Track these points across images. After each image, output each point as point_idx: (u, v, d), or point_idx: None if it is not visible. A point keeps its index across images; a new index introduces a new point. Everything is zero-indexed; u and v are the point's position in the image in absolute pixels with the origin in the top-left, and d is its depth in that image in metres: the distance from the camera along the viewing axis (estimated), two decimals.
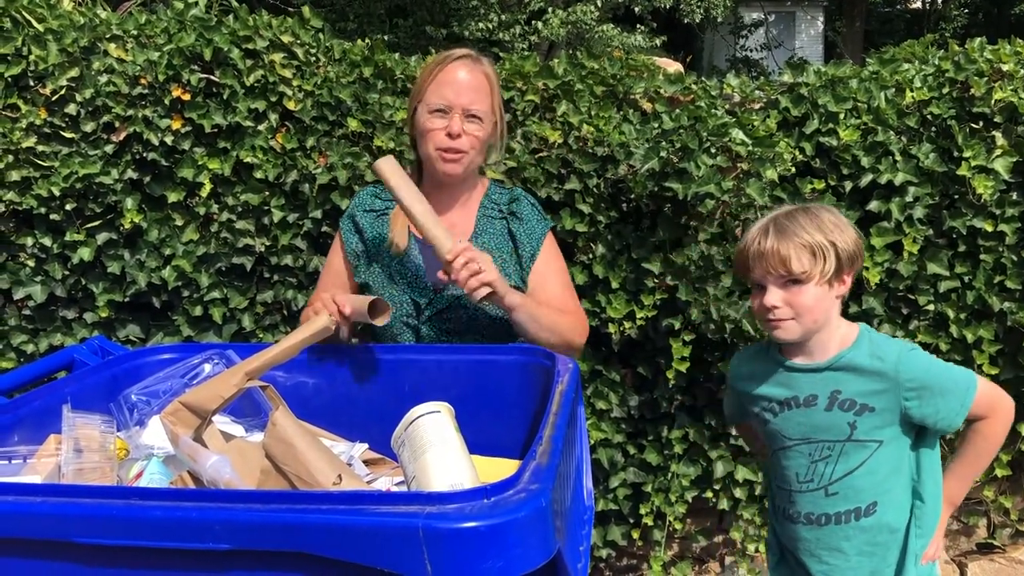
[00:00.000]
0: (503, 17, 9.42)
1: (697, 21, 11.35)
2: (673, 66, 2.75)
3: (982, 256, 2.35)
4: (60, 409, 1.31)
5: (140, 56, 2.27)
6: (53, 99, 2.26)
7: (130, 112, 2.27)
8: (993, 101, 2.28)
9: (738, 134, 2.18)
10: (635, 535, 2.59)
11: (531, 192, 2.25)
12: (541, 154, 2.36)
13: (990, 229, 2.32)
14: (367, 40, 2.48)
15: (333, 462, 1.24)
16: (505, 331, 1.75)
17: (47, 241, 2.32)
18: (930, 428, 1.52)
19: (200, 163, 2.30)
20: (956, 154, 2.30)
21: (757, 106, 2.45)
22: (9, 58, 2.25)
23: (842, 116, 2.34)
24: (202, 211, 2.34)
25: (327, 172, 2.32)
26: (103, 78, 2.26)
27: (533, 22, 9.86)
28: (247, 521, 0.90)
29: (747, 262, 1.53)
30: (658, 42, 11.11)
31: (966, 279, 2.37)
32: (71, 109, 2.27)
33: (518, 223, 1.81)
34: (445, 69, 1.74)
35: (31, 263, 2.34)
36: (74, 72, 2.26)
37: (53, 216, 2.30)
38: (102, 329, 2.38)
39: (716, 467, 2.50)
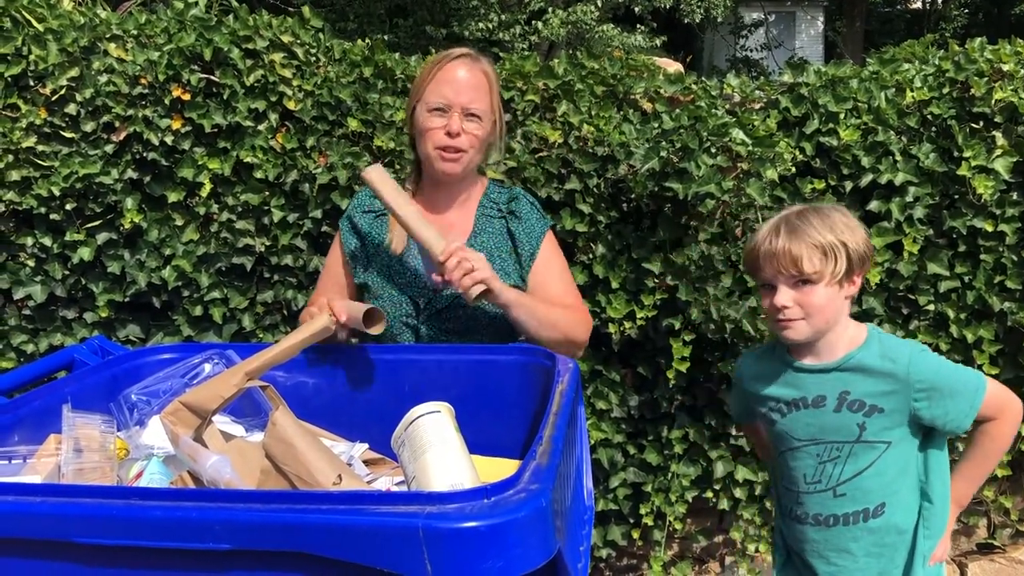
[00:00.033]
0: (503, 17, 9.42)
1: (697, 21, 11.35)
2: (673, 66, 2.75)
3: (982, 256, 2.35)
4: (60, 409, 1.31)
5: (140, 56, 2.27)
6: (53, 99, 2.26)
7: (130, 112, 2.27)
8: (993, 101, 2.29)
9: (738, 134, 2.18)
10: (635, 535, 2.59)
11: (531, 192, 2.25)
12: (541, 154, 2.36)
13: (990, 229, 2.32)
14: (367, 40, 2.49)
15: (333, 462, 1.24)
16: (506, 330, 1.75)
17: (47, 241, 2.32)
18: (939, 429, 1.51)
19: (200, 163, 2.30)
20: (956, 154, 2.30)
21: (757, 106, 2.45)
22: (9, 58, 2.25)
23: (842, 116, 2.34)
24: (202, 211, 2.34)
25: (327, 172, 2.32)
26: (103, 78, 2.26)
27: (533, 22, 9.86)
28: (247, 521, 0.89)
29: (757, 262, 1.52)
30: (658, 42, 11.11)
31: (966, 279, 2.37)
32: (71, 109, 2.27)
33: (517, 222, 1.81)
34: (444, 68, 1.74)
35: (31, 263, 2.34)
36: (74, 72, 2.26)
37: (53, 216, 2.30)
38: (102, 329, 2.38)
39: (716, 467, 2.50)
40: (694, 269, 2.29)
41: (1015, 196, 2.33)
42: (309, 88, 2.32)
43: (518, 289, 1.72)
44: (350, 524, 0.87)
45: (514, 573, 0.86)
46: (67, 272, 2.36)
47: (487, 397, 1.50)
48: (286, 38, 2.32)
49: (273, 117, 2.32)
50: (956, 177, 2.31)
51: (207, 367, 1.55)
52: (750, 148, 2.18)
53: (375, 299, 1.78)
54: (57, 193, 2.26)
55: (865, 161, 2.32)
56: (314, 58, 2.38)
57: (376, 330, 1.55)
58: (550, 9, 9.84)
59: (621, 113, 2.38)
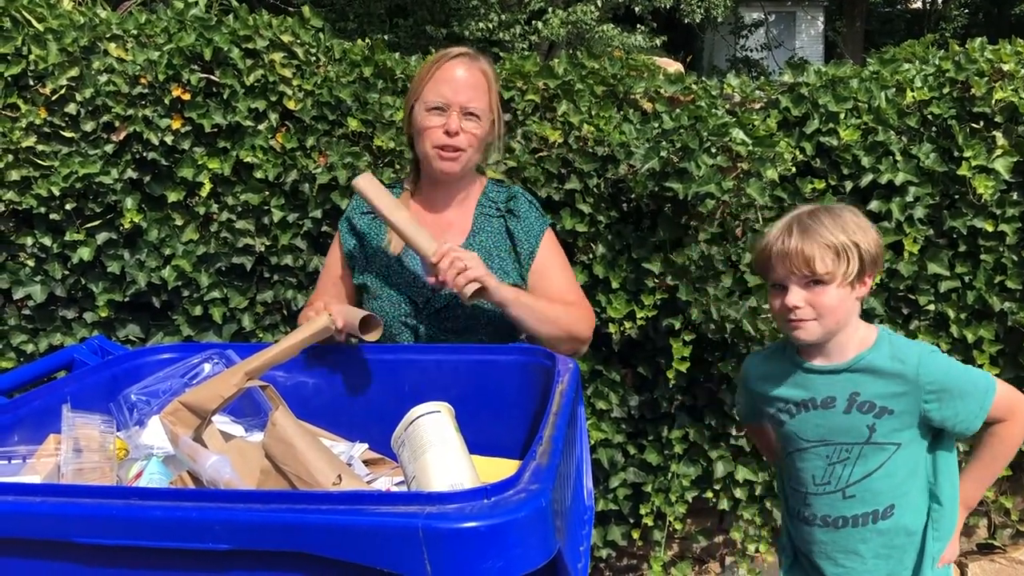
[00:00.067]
0: (503, 17, 9.42)
1: (697, 21, 11.35)
2: (673, 66, 2.75)
3: (982, 256, 2.35)
4: (60, 409, 1.31)
5: (140, 56, 2.27)
6: (53, 99, 2.26)
7: (130, 112, 2.27)
8: (993, 101, 2.28)
9: (738, 134, 2.18)
10: (635, 535, 2.58)
11: (531, 192, 2.24)
12: (541, 154, 2.36)
13: (990, 229, 2.32)
14: (367, 40, 2.48)
15: (333, 462, 1.24)
16: (505, 329, 1.74)
17: (47, 241, 2.32)
18: (948, 431, 1.51)
19: (200, 163, 2.30)
20: (956, 154, 2.30)
21: (757, 106, 2.45)
22: (9, 58, 2.25)
23: (842, 116, 2.34)
24: (202, 211, 2.34)
25: (327, 172, 2.32)
26: (103, 78, 2.26)
27: (533, 22, 9.86)
28: (247, 521, 0.89)
29: (769, 262, 1.51)
30: (658, 42, 11.11)
31: (966, 279, 2.37)
32: (71, 109, 2.26)
33: (516, 221, 1.81)
34: (443, 67, 1.73)
35: (31, 263, 2.34)
36: (74, 72, 2.26)
37: (53, 216, 2.30)
38: (102, 329, 2.38)
39: (716, 467, 2.50)
40: (694, 269, 2.29)
41: (1015, 196, 2.33)
42: (309, 88, 2.32)
43: (518, 287, 1.72)
44: (350, 524, 0.87)
45: (514, 573, 0.86)
46: (67, 272, 2.36)
47: (487, 397, 1.50)
48: (286, 38, 2.32)
49: (273, 117, 2.32)
50: (956, 177, 2.31)
51: (207, 367, 1.55)
52: (750, 148, 2.18)
53: (374, 299, 1.78)
54: (57, 193, 2.26)
55: (865, 161, 2.32)
56: (314, 58, 2.38)
57: (372, 337, 1.55)
58: (550, 9, 9.84)
59: (621, 113, 2.38)
